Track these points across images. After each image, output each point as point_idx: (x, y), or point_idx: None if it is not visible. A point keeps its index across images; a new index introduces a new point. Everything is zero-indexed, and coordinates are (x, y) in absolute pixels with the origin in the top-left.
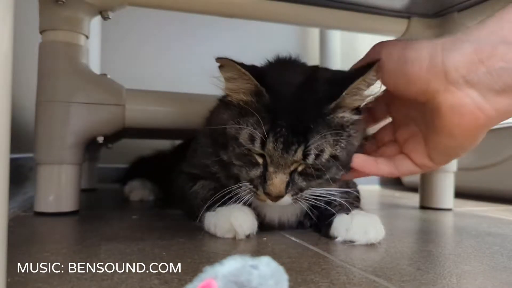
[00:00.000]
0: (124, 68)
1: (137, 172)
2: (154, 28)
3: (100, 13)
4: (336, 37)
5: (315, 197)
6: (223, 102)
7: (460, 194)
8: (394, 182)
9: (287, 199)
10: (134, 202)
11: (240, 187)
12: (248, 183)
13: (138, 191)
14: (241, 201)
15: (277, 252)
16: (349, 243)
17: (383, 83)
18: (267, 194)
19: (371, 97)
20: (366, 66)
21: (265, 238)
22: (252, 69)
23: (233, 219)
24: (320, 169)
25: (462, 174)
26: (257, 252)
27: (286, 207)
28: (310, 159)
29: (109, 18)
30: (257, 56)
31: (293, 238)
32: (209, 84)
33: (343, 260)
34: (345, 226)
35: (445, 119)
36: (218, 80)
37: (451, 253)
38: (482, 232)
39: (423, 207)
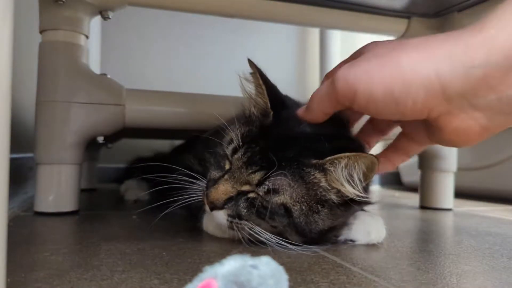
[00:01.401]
0: (124, 68)
1: (135, 172)
2: (154, 28)
3: (100, 13)
4: (336, 37)
5: (255, 235)
6: (243, 107)
7: (460, 194)
8: (394, 182)
9: (222, 216)
10: (136, 202)
11: (202, 182)
12: (206, 181)
13: (133, 190)
14: (191, 199)
15: (277, 252)
16: (350, 242)
17: (367, 113)
18: (207, 196)
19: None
20: (363, 154)
21: None
22: (271, 88)
23: None
24: (268, 209)
25: (462, 174)
26: (257, 252)
27: None
28: (261, 189)
29: (109, 18)
30: (257, 56)
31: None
32: (209, 84)
33: (343, 260)
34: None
35: (449, 136)
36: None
37: (451, 253)
38: (482, 232)
39: (423, 207)
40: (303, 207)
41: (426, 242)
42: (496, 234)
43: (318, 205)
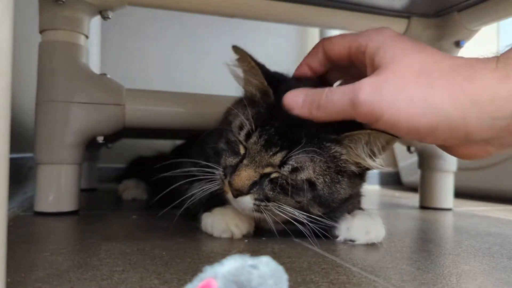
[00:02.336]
0: (124, 68)
1: (134, 171)
2: (154, 28)
3: (100, 13)
4: None
5: (283, 215)
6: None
7: (460, 194)
8: (394, 182)
9: (248, 200)
10: (136, 202)
11: (214, 173)
12: (222, 169)
13: (131, 190)
14: (208, 189)
15: (277, 251)
16: (350, 242)
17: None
18: (230, 184)
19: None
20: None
21: (264, 238)
22: (263, 67)
23: (229, 220)
24: (294, 186)
25: (462, 174)
26: (256, 252)
27: None
28: (286, 169)
29: (109, 18)
30: (257, 56)
31: (292, 238)
32: (209, 84)
33: (343, 260)
34: (347, 225)
35: (458, 156)
36: (232, 68)
37: (451, 253)
38: (482, 232)
39: (423, 207)
40: (326, 179)
41: (426, 242)
42: (496, 234)
43: (339, 176)
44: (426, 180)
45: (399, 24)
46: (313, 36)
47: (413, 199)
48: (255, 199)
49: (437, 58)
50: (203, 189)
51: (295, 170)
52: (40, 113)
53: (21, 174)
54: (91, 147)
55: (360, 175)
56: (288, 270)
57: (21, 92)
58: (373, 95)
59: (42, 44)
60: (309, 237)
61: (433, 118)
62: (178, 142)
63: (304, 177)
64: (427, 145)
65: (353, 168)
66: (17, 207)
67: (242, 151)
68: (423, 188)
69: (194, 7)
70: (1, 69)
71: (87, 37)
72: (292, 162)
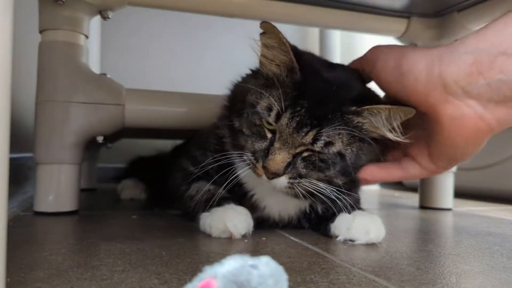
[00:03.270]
0: (124, 68)
1: (133, 171)
2: (154, 27)
3: (100, 12)
4: (336, 37)
5: (313, 190)
6: (253, 73)
7: (460, 194)
8: (394, 182)
9: (283, 180)
10: (136, 202)
11: (242, 156)
12: (250, 154)
13: (130, 190)
14: (236, 175)
15: (277, 251)
16: (350, 242)
17: (381, 89)
18: (265, 168)
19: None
20: (397, 103)
21: (264, 238)
22: (291, 45)
23: (228, 220)
24: (325, 161)
25: (462, 174)
26: (256, 252)
27: (287, 201)
28: (319, 145)
29: (109, 18)
30: (257, 56)
31: (292, 238)
32: (209, 84)
33: (343, 260)
34: (347, 225)
35: (447, 130)
36: (256, 44)
37: (451, 253)
38: (482, 232)
39: (423, 207)
40: (353, 149)
41: (426, 242)
42: (496, 234)
43: (361, 143)
44: (426, 180)
45: (399, 24)
46: (313, 36)
47: (413, 199)
48: (290, 178)
49: None
50: (197, 187)
51: (327, 145)
52: (40, 113)
53: (21, 174)
54: (90, 147)
55: (380, 142)
56: (288, 270)
57: (21, 92)
58: (377, 47)
59: (42, 44)
60: (328, 204)
61: (413, 58)
62: (178, 142)
63: (336, 150)
64: None
65: (374, 135)
66: (17, 207)
67: (269, 135)
68: (423, 188)
69: (194, 7)
70: (1, 69)
71: (87, 37)
72: (324, 138)
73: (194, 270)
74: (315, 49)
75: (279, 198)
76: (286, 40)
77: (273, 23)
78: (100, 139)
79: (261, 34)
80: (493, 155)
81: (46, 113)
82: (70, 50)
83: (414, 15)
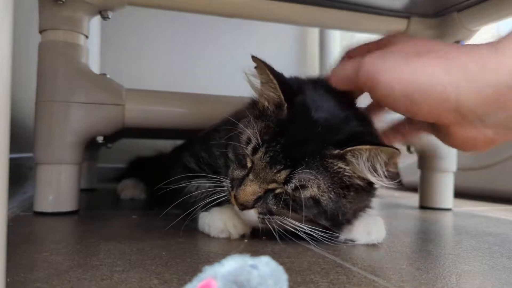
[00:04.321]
0: (124, 68)
1: (133, 171)
2: (154, 28)
3: (100, 12)
4: (336, 37)
5: (290, 228)
6: (253, 101)
7: (460, 194)
8: None
9: (253, 214)
10: (136, 202)
11: (222, 182)
12: (229, 181)
13: (129, 190)
14: (218, 198)
15: (277, 251)
16: (350, 242)
17: (385, 104)
18: (235, 198)
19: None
20: (382, 145)
21: (264, 238)
22: (281, 80)
23: (227, 220)
24: (297, 202)
25: (462, 174)
26: (256, 252)
27: None
28: (289, 187)
29: (109, 18)
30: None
31: (292, 238)
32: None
33: (343, 260)
34: (349, 225)
35: (457, 143)
36: (247, 78)
37: (451, 253)
38: (482, 232)
39: (423, 207)
40: (331, 195)
41: (425, 242)
42: (496, 234)
43: (345, 191)
44: (426, 180)
45: (399, 24)
46: (313, 36)
47: (413, 199)
48: (259, 213)
49: (440, 43)
50: (196, 185)
51: (298, 188)
52: (39, 113)
53: (21, 174)
54: (90, 147)
55: (367, 189)
56: (288, 270)
57: (21, 92)
58: (375, 60)
59: (42, 44)
60: (313, 244)
61: (427, 84)
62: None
63: (308, 195)
64: (427, 145)
65: (359, 181)
66: (17, 207)
67: (249, 164)
68: (423, 188)
69: (194, 7)
70: (1, 69)
71: (87, 37)
72: (295, 181)
73: (194, 270)
74: (315, 49)
75: None
76: (275, 76)
77: (273, 23)
78: (100, 139)
79: (255, 67)
80: (493, 155)
81: (46, 113)
82: (70, 50)
83: (414, 15)
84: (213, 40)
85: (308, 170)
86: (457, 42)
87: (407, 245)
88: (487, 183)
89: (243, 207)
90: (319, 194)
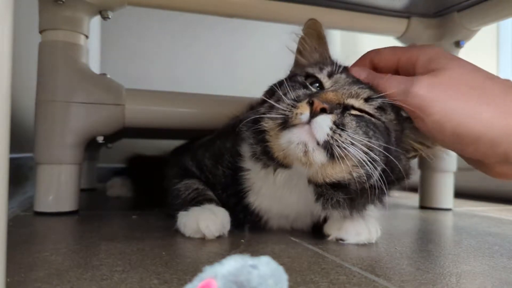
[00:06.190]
0: (124, 68)
1: (128, 169)
2: (154, 27)
3: (100, 12)
4: (336, 37)
5: (352, 153)
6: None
7: (460, 194)
8: None
9: (327, 122)
10: (136, 202)
11: (274, 110)
12: (283, 105)
13: (117, 188)
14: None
15: (277, 252)
16: (341, 241)
17: (424, 132)
18: (315, 99)
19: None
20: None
21: (264, 238)
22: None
23: (201, 221)
24: (374, 124)
25: (462, 174)
26: (256, 252)
27: (301, 219)
28: (373, 104)
29: (109, 18)
30: (257, 56)
31: (292, 238)
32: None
33: (343, 260)
34: (338, 224)
35: (494, 175)
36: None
37: (451, 253)
38: (482, 232)
39: (423, 207)
40: (396, 137)
41: (426, 242)
42: (496, 234)
43: (399, 146)
44: (426, 180)
45: (399, 24)
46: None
47: (413, 199)
48: (334, 123)
49: (487, 75)
50: (187, 184)
51: (380, 108)
52: (40, 113)
53: (21, 174)
54: (91, 147)
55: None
56: (288, 270)
57: (21, 92)
58: (428, 90)
59: (42, 44)
60: (342, 207)
61: (480, 128)
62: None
63: (385, 120)
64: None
65: (406, 150)
66: (17, 207)
67: (314, 89)
68: (423, 188)
69: (194, 7)
70: (1, 69)
71: (87, 37)
72: (379, 100)
73: (194, 270)
74: None
75: (289, 219)
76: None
77: (273, 23)
78: (100, 139)
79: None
80: None
81: (46, 113)
82: (70, 50)
83: (414, 15)
84: (213, 40)
85: (388, 101)
86: (457, 42)
87: (407, 245)
88: (487, 183)
89: (321, 109)
90: (391, 128)
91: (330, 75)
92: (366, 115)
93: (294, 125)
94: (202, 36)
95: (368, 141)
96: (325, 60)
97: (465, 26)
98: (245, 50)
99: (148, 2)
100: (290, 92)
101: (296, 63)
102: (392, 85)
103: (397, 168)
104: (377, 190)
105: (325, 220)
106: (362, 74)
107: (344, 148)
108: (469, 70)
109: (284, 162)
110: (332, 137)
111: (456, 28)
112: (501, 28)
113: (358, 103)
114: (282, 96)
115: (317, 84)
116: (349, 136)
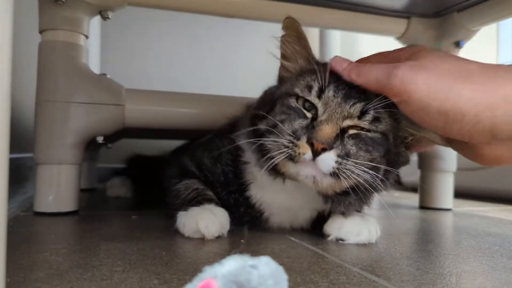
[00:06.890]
0: (124, 68)
1: (127, 169)
2: (154, 28)
3: (100, 13)
4: (336, 37)
5: (357, 177)
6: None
7: (460, 194)
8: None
9: (331, 157)
10: (136, 202)
11: (276, 142)
12: (287, 136)
13: (116, 188)
14: (271, 163)
15: (277, 252)
16: (341, 241)
17: (412, 117)
18: (313, 141)
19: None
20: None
21: (264, 238)
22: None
23: (200, 221)
24: (373, 139)
25: (462, 174)
26: (256, 252)
27: (299, 214)
28: (367, 119)
29: (109, 18)
30: (257, 56)
31: (292, 238)
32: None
33: (343, 260)
34: (339, 224)
35: (482, 160)
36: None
37: (451, 253)
38: (482, 232)
39: (423, 207)
40: (393, 137)
41: (425, 242)
42: (495, 234)
43: (398, 140)
44: (426, 180)
45: (399, 24)
46: (313, 36)
47: (413, 199)
48: (338, 156)
49: (465, 59)
50: (186, 184)
51: (375, 120)
52: (40, 113)
53: (21, 174)
54: (91, 147)
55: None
56: (288, 270)
57: (21, 92)
58: (409, 71)
59: (42, 44)
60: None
61: (463, 105)
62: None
63: (381, 129)
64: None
65: (405, 137)
66: (17, 207)
67: (309, 115)
68: (422, 188)
69: (194, 7)
70: (1, 69)
71: (87, 37)
72: (372, 112)
73: (194, 270)
74: (315, 49)
75: (290, 213)
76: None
77: (273, 23)
78: (100, 139)
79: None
80: None
81: (46, 113)
82: (70, 50)
83: (414, 15)
84: (213, 40)
85: (380, 105)
86: (457, 42)
87: (407, 245)
88: (487, 183)
89: (322, 148)
90: (387, 131)
91: (319, 95)
92: (363, 132)
93: (299, 162)
94: (201, 36)
95: (370, 156)
96: (309, 64)
97: (465, 26)
98: (244, 50)
99: (148, 2)
100: (286, 123)
101: (282, 66)
102: (374, 71)
103: (399, 161)
104: (381, 184)
105: (329, 214)
106: (343, 64)
107: (350, 171)
108: (449, 56)
109: (293, 180)
110: (338, 168)
111: (456, 28)
112: (501, 28)
113: (353, 122)
114: (279, 124)
115: (309, 104)
116: (353, 161)
